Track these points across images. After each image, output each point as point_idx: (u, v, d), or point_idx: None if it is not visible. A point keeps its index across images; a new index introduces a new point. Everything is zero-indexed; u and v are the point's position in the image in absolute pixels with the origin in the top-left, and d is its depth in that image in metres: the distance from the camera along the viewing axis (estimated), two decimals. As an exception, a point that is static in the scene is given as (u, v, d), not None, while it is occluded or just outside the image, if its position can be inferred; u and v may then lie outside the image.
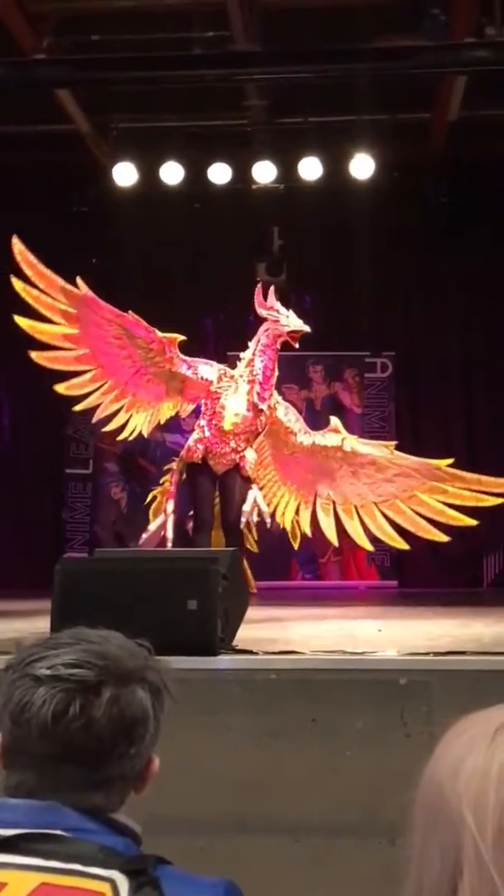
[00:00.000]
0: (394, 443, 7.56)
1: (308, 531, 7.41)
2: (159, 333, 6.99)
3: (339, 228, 9.94)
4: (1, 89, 7.87)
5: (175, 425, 8.74)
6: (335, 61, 7.76)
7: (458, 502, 7.16)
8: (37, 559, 9.38)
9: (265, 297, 7.03)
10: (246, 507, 6.79)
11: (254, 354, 6.94)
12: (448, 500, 7.17)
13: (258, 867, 3.52)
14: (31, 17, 7.73)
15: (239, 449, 6.87)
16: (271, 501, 7.25)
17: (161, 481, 7.35)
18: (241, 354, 7.11)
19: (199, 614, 4.36)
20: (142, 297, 8.29)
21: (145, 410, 7.12)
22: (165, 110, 9.24)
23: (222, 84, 8.57)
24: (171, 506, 6.93)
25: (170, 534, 6.81)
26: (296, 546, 7.56)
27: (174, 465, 7.13)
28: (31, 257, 6.91)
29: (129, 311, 6.99)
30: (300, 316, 7.07)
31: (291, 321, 6.94)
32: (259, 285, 7.28)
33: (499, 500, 7.12)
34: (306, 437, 7.26)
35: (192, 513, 7.01)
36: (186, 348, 7.12)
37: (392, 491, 7.26)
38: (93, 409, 7.09)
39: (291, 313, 7.02)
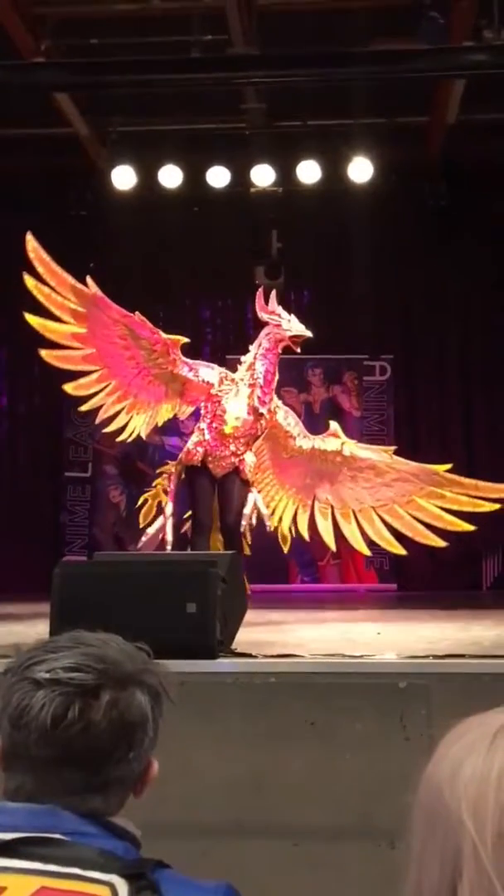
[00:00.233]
0: (393, 448, 7.54)
1: (306, 535, 7.39)
2: (163, 335, 6.99)
3: (338, 232, 9.94)
4: (-1, 92, 7.88)
5: (173, 428, 8.73)
6: (333, 65, 7.75)
7: (455, 507, 7.15)
8: (36, 562, 9.36)
9: (266, 301, 7.03)
10: (246, 511, 6.80)
11: (255, 358, 6.93)
12: (446, 505, 7.16)
13: (257, 871, 3.53)
14: (30, 21, 7.73)
15: (238, 452, 6.87)
16: (269, 505, 7.23)
17: (154, 484, 7.32)
18: (242, 358, 7.11)
19: (198, 617, 4.36)
20: (140, 301, 8.27)
21: (145, 412, 7.10)
22: (164, 114, 9.22)
23: (220, 87, 8.55)
24: (170, 508, 6.93)
25: (169, 537, 6.81)
26: (285, 549, 7.52)
27: (168, 468, 7.13)
28: (44, 255, 6.90)
29: (136, 312, 6.99)
30: (298, 319, 7.07)
31: (293, 326, 6.93)
32: (260, 289, 7.28)
33: (496, 506, 7.11)
34: (305, 441, 7.25)
35: (186, 515, 7.01)
36: (185, 351, 7.12)
37: (390, 496, 7.25)
38: (95, 411, 7.09)
39: (293, 318, 7.00)
